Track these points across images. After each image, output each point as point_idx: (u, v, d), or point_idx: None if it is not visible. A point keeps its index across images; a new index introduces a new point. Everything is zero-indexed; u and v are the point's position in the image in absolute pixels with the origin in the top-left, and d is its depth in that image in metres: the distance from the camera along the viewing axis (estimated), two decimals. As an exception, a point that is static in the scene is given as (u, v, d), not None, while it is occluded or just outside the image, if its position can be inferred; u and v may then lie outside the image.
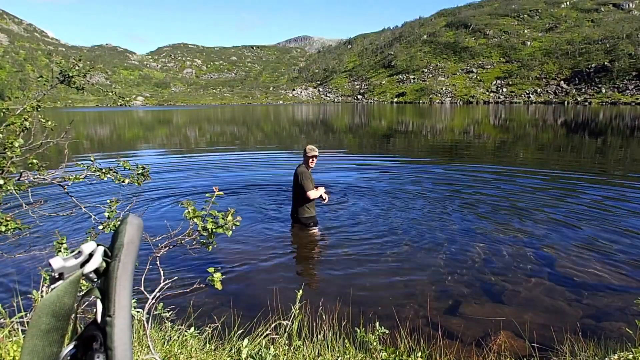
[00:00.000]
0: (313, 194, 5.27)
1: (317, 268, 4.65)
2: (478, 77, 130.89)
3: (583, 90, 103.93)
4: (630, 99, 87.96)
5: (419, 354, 2.39)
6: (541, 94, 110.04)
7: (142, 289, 2.24)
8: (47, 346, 0.41)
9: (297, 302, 2.65)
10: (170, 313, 2.52)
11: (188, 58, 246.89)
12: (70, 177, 2.85)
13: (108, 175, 2.94)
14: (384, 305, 3.61)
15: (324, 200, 5.47)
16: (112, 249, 0.46)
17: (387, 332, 2.46)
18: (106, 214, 2.69)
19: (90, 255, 0.44)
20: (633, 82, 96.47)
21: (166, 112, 73.07)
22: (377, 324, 2.46)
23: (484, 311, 3.50)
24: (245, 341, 2.26)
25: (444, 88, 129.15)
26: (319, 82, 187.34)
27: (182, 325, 2.59)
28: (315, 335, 2.53)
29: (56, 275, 0.42)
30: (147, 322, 2.07)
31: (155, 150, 16.25)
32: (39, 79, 2.99)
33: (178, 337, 2.44)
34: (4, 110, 2.63)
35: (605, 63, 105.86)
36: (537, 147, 15.84)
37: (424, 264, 4.48)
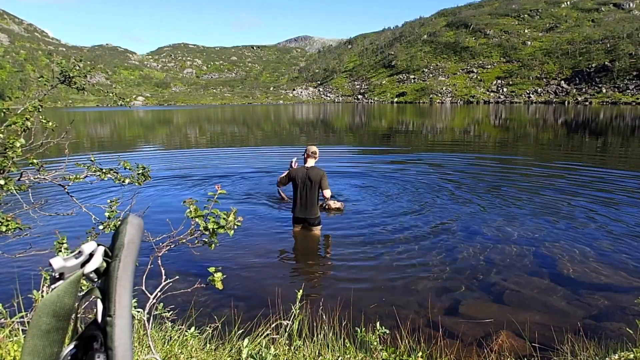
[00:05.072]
0: (329, 190, 5.42)
1: (318, 268, 4.65)
2: (478, 77, 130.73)
3: (583, 90, 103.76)
4: (630, 98, 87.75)
5: (420, 353, 2.39)
6: (541, 94, 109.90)
7: (143, 288, 2.24)
8: (48, 346, 0.41)
9: (298, 302, 2.65)
10: (170, 313, 2.52)
11: (188, 58, 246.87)
12: (71, 177, 2.85)
13: (108, 175, 2.94)
14: (384, 305, 3.61)
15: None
16: (113, 248, 0.46)
17: (387, 331, 2.46)
18: (106, 214, 2.68)
19: (91, 255, 0.44)
20: (633, 81, 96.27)
21: (166, 112, 73.08)
22: (378, 323, 2.46)
23: (485, 311, 3.50)
24: (246, 341, 2.26)
25: (444, 88, 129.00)
26: (319, 82, 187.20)
27: (182, 325, 2.59)
28: (315, 335, 2.53)
29: (56, 275, 0.42)
30: (148, 322, 2.07)
31: (155, 149, 16.25)
32: (39, 79, 2.99)
33: (178, 337, 2.44)
34: (4, 110, 2.63)
35: (606, 63, 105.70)
36: (538, 146, 15.84)
37: (425, 264, 4.48)
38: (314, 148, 5.42)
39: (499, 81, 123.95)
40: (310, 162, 5.35)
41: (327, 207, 6.42)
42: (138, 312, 2.26)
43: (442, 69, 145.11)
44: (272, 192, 7.79)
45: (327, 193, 5.40)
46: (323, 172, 5.33)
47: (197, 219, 2.00)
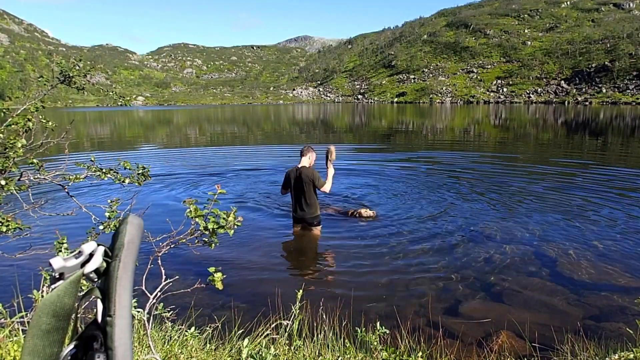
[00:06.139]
0: (329, 186, 5.25)
1: (318, 268, 4.65)
2: (478, 77, 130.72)
3: (583, 90, 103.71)
4: (630, 98, 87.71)
5: (420, 353, 2.39)
6: (541, 94, 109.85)
7: (143, 288, 2.24)
8: (48, 346, 0.41)
9: (298, 302, 2.65)
10: (170, 313, 2.52)
11: (188, 58, 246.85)
12: (71, 177, 2.85)
13: (108, 175, 2.94)
14: (384, 305, 3.61)
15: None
16: (113, 248, 0.46)
17: (387, 331, 2.46)
18: (106, 214, 2.68)
19: (91, 255, 0.44)
20: (633, 81, 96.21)
21: (166, 112, 73.07)
22: (378, 323, 2.46)
23: (485, 311, 3.50)
24: (246, 341, 2.26)
25: (444, 88, 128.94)
26: (319, 82, 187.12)
27: (182, 325, 2.59)
28: (315, 335, 2.53)
29: (56, 275, 0.42)
30: (148, 322, 2.07)
31: (155, 149, 16.24)
32: (39, 79, 2.99)
33: (178, 337, 2.44)
34: (4, 110, 2.63)
35: (606, 63, 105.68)
36: (538, 146, 15.84)
37: (425, 264, 4.48)
38: (308, 147, 5.39)
39: (499, 81, 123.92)
40: (304, 162, 5.33)
41: (357, 215, 6.04)
42: (138, 312, 2.26)
43: (442, 69, 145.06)
44: (272, 191, 7.79)
45: (326, 188, 5.22)
46: (314, 171, 5.27)
47: (197, 219, 2.00)
